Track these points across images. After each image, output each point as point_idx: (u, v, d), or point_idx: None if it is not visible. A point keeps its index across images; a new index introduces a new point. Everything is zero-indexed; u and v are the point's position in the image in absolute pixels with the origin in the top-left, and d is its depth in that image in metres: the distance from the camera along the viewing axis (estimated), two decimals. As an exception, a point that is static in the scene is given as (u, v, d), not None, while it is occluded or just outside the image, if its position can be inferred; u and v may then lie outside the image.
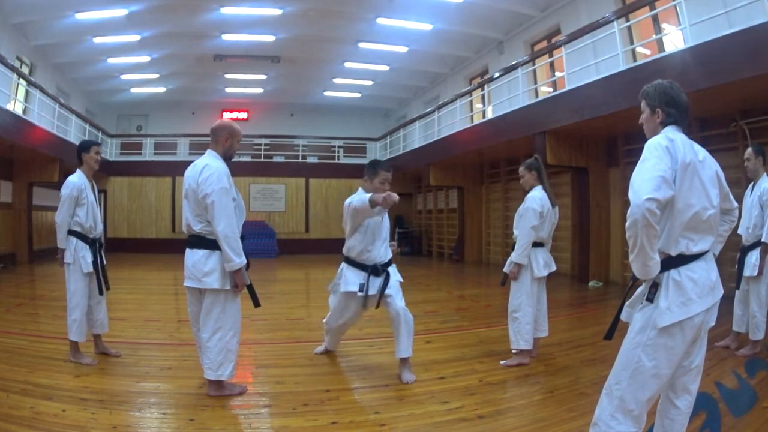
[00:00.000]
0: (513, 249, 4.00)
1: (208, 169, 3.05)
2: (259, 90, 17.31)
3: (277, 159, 17.51)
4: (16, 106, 10.65)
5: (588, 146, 8.82)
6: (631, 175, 1.91)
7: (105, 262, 4.03)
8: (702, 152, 2.02)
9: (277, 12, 11.30)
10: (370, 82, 16.62)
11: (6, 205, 11.38)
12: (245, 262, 3.05)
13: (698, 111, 6.30)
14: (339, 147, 18.22)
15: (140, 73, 15.00)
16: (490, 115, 11.17)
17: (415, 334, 3.64)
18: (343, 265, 3.71)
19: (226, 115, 17.75)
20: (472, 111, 12.59)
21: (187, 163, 3.23)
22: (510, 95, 10.15)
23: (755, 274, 3.97)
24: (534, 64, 10.26)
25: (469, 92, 12.28)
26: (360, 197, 3.45)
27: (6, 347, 4.12)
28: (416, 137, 14.74)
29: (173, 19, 11.38)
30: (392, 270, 3.67)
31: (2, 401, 2.91)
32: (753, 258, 4.02)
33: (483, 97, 12.03)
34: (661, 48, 7.86)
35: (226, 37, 12.57)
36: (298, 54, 13.97)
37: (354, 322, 3.93)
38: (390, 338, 3.64)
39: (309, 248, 16.11)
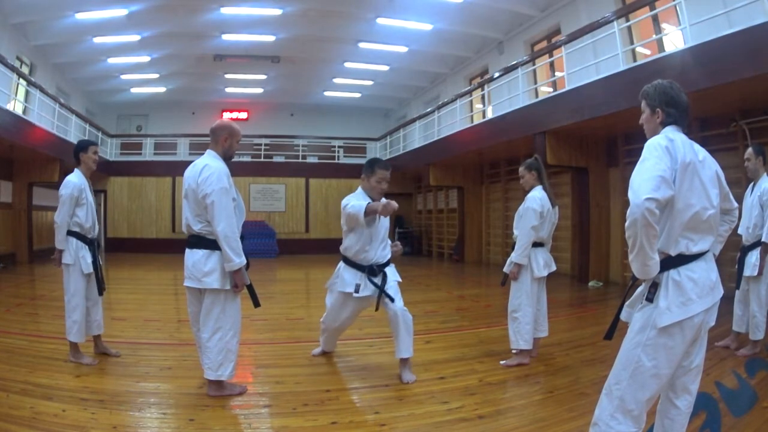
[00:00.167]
0: (513, 249, 4.00)
1: (207, 169, 3.05)
2: (259, 90, 17.31)
3: (277, 159, 17.51)
4: (16, 106, 10.65)
5: (588, 146, 8.82)
6: (631, 175, 1.91)
7: (101, 263, 4.03)
8: (702, 152, 2.02)
9: (277, 12, 11.30)
10: (370, 82, 16.62)
11: (6, 205, 11.38)
12: (245, 262, 3.05)
13: (698, 111, 6.30)
14: (339, 147, 18.22)
15: (140, 73, 15.00)
16: (490, 115, 11.17)
17: (415, 334, 3.64)
18: (341, 264, 3.69)
19: (226, 115, 17.76)
20: (472, 111, 12.59)
21: (187, 163, 3.23)
22: (510, 95, 10.15)
23: (755, 274, 3.97)
24: (534, 64, 10.26)
25: (469, 92, 12.28)
26: (355, 204, 3.39)
27: (6, 347, 4.12)
28: (416, 137, 14.74)
29: (173, 19, 11.38)
30: (390, 270, 3.65)
31: (2, 401, 2.91)
32: (753, 258, 4.01)
33: (483, 97, 12.03)
34: (661, 48, 7.86)
35: (226, 37, 12.57)
36: (298, 54, 13.97)
37: (350, 323, 3.91)
38: (390, 338, 3.63)
39: (309, 248, 16.12)
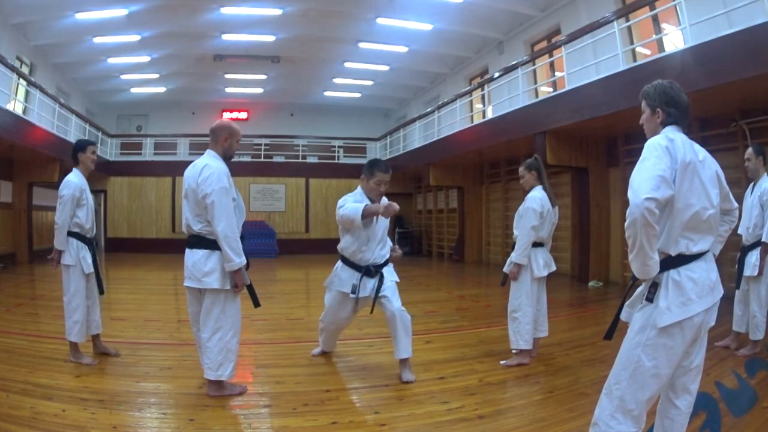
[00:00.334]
0: (513, 249, 4.00)
1: (207, 169, 3.05)
2: (259, 90, 17.31)
3: (277, 159, 17.51)
4: (16, 106, 10.65)
5: (588, 146, 8.82)
6: (631, 174, 1.91)
7: (98, 263, 4.04)
8: (702, 152, 2.01)
9: (277, 12, 11.30)
10: (370, 82, 16.62)
11: (6, 205, 11.38)
12: (245, 262, 3.05)
13: (698, 111, 6.30)
14: (339, 147, 18.22)
15: (140, 73, 15.00)
16: (490, 115, 11.17)
17: (415, 334, 3.64)
18: (339, 263, 3.69)
19: (226, 115, 17.76)
20: (472, 111, 12.59)
21: (187, 163, 3.22)
22: (510, 95, 10.15)
23: (755, 274, 3.97)
24: (534, 64, 10.26)
25: (469, 92, 12.28)
26: (350, 206, 3.37)
27: (6, 347, 4.12)
28: (416, 137, 14.74)
29: (173, 19, 11.38)
30: (387, 271, 3.63)
31: (2, 401, 2.91)
32: (753, 258, 4.01)
33: (483, 97, 12.03)
34: (661, 48, 7.86)
35: (226, 37, 12.57)
36: (298, 54, 13.97)
37: (348, 323, 3.91)
38: (390, 338, 3.63)
39: (309, 248, 16.12)
